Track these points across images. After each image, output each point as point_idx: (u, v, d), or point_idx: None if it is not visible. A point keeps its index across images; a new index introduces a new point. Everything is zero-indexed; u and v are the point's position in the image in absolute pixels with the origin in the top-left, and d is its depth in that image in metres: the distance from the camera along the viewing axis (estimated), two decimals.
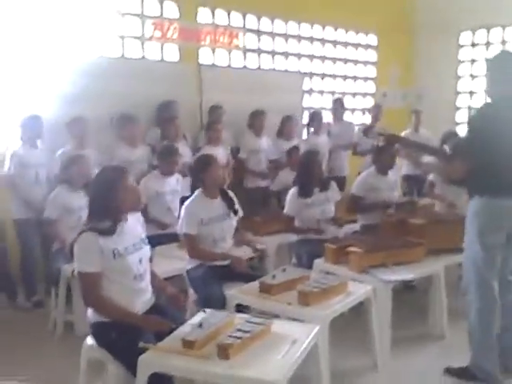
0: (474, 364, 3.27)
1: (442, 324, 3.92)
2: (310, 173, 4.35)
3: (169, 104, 5.55)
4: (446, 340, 3.89)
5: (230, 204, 3.73)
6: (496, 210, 3.12)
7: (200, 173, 3.65)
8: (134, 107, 5.23)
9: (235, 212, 3.74)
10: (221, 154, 5.32)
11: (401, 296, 4.25)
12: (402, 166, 7.06)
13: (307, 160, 4.41)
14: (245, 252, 3.88)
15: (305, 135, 6.85)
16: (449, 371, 3.39)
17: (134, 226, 2.79)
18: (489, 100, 3.29)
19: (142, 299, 2.71)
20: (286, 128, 6.16)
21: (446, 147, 5.05)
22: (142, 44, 5.77)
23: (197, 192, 3.72)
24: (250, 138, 5.99)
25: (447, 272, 3.99)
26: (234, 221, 3.75)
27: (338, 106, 7.04)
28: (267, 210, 5.38)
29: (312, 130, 6.55)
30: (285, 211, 4.39)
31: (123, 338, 2.51)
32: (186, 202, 3.68)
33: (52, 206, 4.16)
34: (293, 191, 4.38)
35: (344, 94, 8.19)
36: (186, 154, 5.29)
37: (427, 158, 4.09)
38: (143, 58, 5.80)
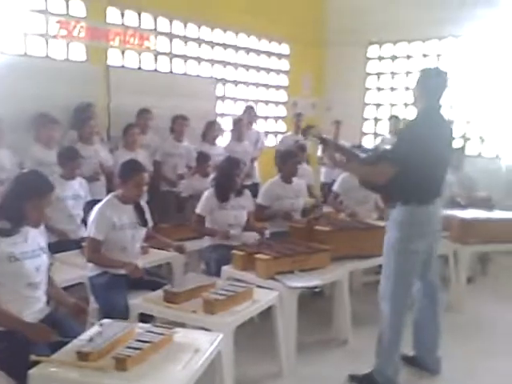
0: (377, 370, 3.37)
1: (346, 329, 4.01)
2: (229, 179, 4.34)
3: (86, 107, 5.40)
4: (350, 345, 3.98)
5: (140, 214, 3.64)
6: (420, 217, 3.27)
7: (125, 177, 3.54)
8: (38, 108, 5.01)
9: (144, 224, 3.66)
10: (139, 158, 5.21)
11: (308, 302, 4.32)
12: (321, 174, 7.25)
13: (229, 167, 4.40)
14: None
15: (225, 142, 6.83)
16: (353, 378, 3.47)
17: (34, 232, 2.65)
18: (416, 112, 3.45)
19: (33, 308, 2.57)
20: (209, 133, 6.17)
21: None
22: (47, 42, 5.51)
23: (109, 196, 3.61)
24: (169, 142, 5.94)
25: (352, 279, 4.09)
26: (143, 231, 3.67)
27: (251, 113, 7.10)
28: (178, 216, 5.29)
29: (234, 136, 6.59)
30: (197, 211, 4.34)
31: (14, 348, 2.38)
32: (98, 205, 3.55)
33: None
34: (210, 192, 4.35)
35: (257, 101, 8.25)
36: (102, 156, 5.23)
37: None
38: (47, 56, 5.54)
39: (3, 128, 4.65)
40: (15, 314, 2.48)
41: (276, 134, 8.60)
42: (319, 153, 7.22)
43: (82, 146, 5.04)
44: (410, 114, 8.37)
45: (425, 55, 8.43)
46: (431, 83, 3.32)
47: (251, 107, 7.28)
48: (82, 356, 2.23)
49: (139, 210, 3.64)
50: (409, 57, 8.61)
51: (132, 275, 3.38)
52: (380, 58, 8.93)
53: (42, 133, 4.86)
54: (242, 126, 6.59)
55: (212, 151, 5.83)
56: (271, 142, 8.31)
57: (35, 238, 2.65)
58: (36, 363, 2.23)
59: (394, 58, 8.78)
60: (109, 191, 3.85)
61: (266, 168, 7.01)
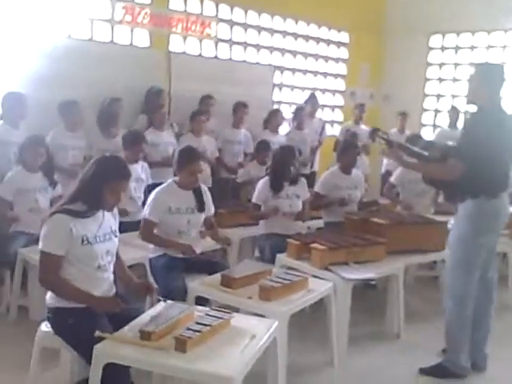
0: (449, 360, 3.40)
1: (398, 323, 3.98)
2: (283, 168, 4.35)
3: (158, 92, 5.55)
4: (402, 339, 3.95)
5: (199, 200, 3.70)
6: (490, 211, 3.29)
7: (180, 164, 3.62)
8: (101, 91, 5.16)
9: (201, 209, 3.71)
10: (203, 144, 5.36)
11: (361, 294, 4.31)
12: (383, 166, 7.18)
13: (282, 155, 4.41)
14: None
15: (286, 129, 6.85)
16: (423, 371, 3.47)
17: (107, 216, 2.73)
18: (470, 105, 3.47)
19: (101, 288, 2.66)
20: (272, 121, 6.22)
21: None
22: (112, 27, 5.64)
23: (169, 180, 3.70)
24: (228, 129, 6.01)
25: (405, 273, 4.06)
26: (201, 216, 3.73)
27: (314, 102, 7.09)
28: (233, 202, 5.36)
29: (295, 124, 6.61)
30: (253, 199, 4.39)
31: (80, 325, 2.48)
32: (157, 189, 3.65)
33: (7, 187, 4.06)
34: (265, 181, 4.38)
35: (314, 89, 8.20)
36: (171, 143, 5.34)
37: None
38: (112, 41, 5.67)
39: (81, 111, 4.83)
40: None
41: (332, 123, 8.54)
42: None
43: (154, 132, 5.21)
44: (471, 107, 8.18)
45: (489, 46, 8.18)
46: (491, 77, 3.32)
47: (314, 96, 7.26)
48: (144, 335, 2.30)
49: (198, 196, 3.71)
50: (473, 48, 8.37)
51: (185, 254, 3.47)
52: (443, 49, 8.71)
53: (104, 126, 4.99)
54: (303, 114, 6.60)
55: (273, 139, 5.87)
56: (329, 130, 8.25)
57: (109, 221, 2.72)
58: (100, 339, 2.32)
59: (457, 48, 8.56)
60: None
61: (324, 157, 7.00)
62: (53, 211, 2.59)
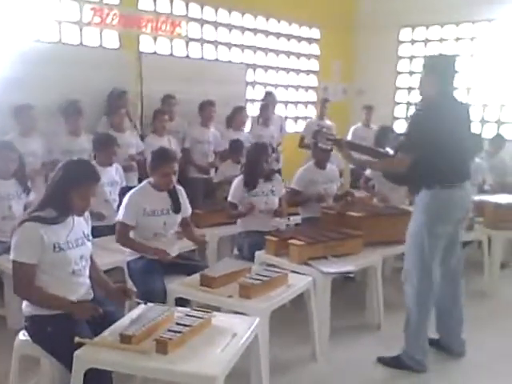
0: (406, 353, 3.42)
1: (378, 315, 4.03)
2: (256, 165, 4.36)
3: (120, 94, 5.48)
4: (382, 330, 4.00)
5: (174, 201, 3.67)
6: (446, 200, 3.28)
7: (149, 168, 3.60)
8: (72, 95, 5.08)
9: (177, 211, 3.68)
10: (165, 144, 5.26)
11: (340, 287, 4.35)
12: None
13: (255, 152, 4.42)
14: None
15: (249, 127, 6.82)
16: (381, 360, 3.52)
17: (77, 220, 2.69)
18: (421, 96, 3.49)
19: (77, 294, 2.63)
20: (236, 119, 6.18)
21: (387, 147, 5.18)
22: (81, 29, 5.58)
23: (144, 182, 3.67)
24: (197, 129, 5.96)
25: (383, 264, 4.10)
26: (177, 217, 3.71)
27: (272, 99, 7.06)
28: (210, 202, 5.35)
29: (261, 120, 6.59)
30: (228, 198, 4.39)
31: (59, 332, 2.45)
32: (131, 191, 3.62)
33: None
34: (239, 179, 4.38)
35: (287, 86, 8.22)
36: (133, 144, 5.31)
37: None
38: (81, 44, 5.61)
39: (36, 115, 4.73)
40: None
41: (306, 118, 8.55)
42: (349, 137, 7.20)
43: (114, 134, 5.11)
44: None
45: (458, 39, 8.30)
46: (438, 69, 3.32)
47: (271, 92, 7.23)
48: (125, 338, 2.29)
49: (174, 197, 3.69)
50: (442, 40, 8.48)
51: (160, 259, 3.43)
52: (412, 42, 8.82)
53: (70, 121, 4.93)
54: (268, 111, 6.59)
55: (237, 137, 5.84)
56: (302, 127, 8.29)
57: (80, 225, 2.69)
58: (80, 345, 2.29)
59: (426, 41, 8.67)
60: (140, 179, 3.90)
61: (289, 154, 7.01)
62: (22, 220, 2.55)
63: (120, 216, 3.55)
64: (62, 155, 4.47)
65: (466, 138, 3.41)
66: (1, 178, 4.03)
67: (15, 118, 4.65)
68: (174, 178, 3.69)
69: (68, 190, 2.54)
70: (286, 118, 7.99)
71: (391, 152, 3.84)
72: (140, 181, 3.75)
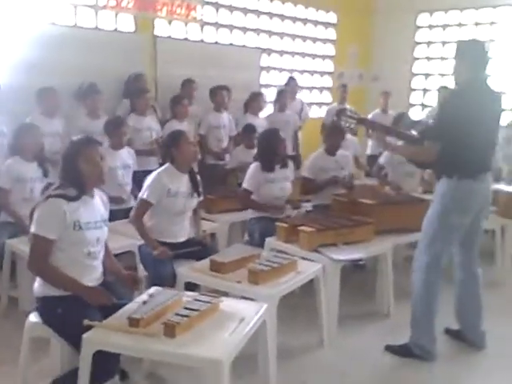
0: (413, 341, 3.42)
1: (388, 303, 4.02)
2: (273, 150, 4.34)
3: (138, 76, 5.52)
4: (391, 318, 3.99)
5: (195, 184, 3.71)
6: (463, 191, 3.23)
7: (171, 148, 3.63)
8: (87, 78, 5.12)
9: (199, 194, 3.74)
10: (186, 128, 5.28)
11: (350, 275, 4.35)
12: (367, 148, 7.18)
13: (270, 137, 4.40)
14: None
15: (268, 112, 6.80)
16: (389, 348, 3.52)
17: (98, 204, 2.76)
18: (455, 83, 3.40)
19: (90, 276, 2.67)
20: (254, 104, 6.17)
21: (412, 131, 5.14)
22: (96, 13, 5.58)
23: (167, 165, 3.69)
24: (211, 114, 5.95)
25: (394, 252, 4.09)
26: (195, 201, 3.74)
27: (294, 84, 7.06)
28: (222, 188, 5.36)
29: (277, 106, 6.56)
30: (244, 185, 4.36)
31: (69, 314, 2.49)
32: (156, 171, 3.65)
33: (4, 176, 4.03)
34: (255, 165, 4.35)
35: (303, 71, 8.17)
36: (154, 128, 5.32)
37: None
38: (97, 27, 5.62)
39: (59, 97, 4.81)
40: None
41: (321, 104, 8.52)
42: None
43: (136, 117, 5.20)
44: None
45: (477, 24, 8.16)
46: (473, 54, 3.24)
47: (293, 78, 7.21)
48: (133, 322, 2.32)
49: (194, 181, 3.72)
50: (461, 25, 8.35)
51: (160, 257, 3.40)
52: (430, 27, 8.69)
53: (88, 103, 5.01)
54: (285, 96, 6.56)
55: (255, 122, 5.83)
56: (316, 112, 8.24)
57: (99, 209, 2.74)
58: (89, 328, 2.33)
59: (445, 26, 8.53)
60: (160, 164, 3.94)
61: (310, 139, 6.98)
62: (47, 195, 2.60)
63: (144, 194, 3.56)
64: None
65: (494, 129, 3.34)
66: (24, 160, 4.07)
67: (38, 100, 4.74)
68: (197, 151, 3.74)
69: (75, 162, 2.61)
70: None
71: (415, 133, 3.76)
72: (161, 166, 3.76)
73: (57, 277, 2.57)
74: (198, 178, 3.80)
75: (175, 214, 3.61)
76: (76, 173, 2.61)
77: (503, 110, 3.44)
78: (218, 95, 5.93)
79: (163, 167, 3.70)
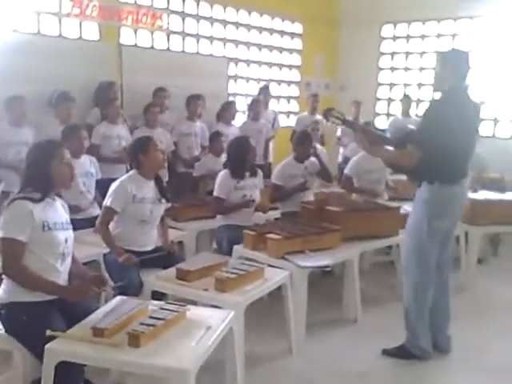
0: (410, 343, 3.47)
1: (355, 309, 4.04)
2: (243, 157, 4.36)
3: (110, 85, 5.50)
4: (359, 324, 4.02)
5: (161, 190, 3.68)
6: (445, 196, 3.32)
7: (138, 154, 3.58)
8: (52, 86, 5.08)
9: (167, 199, 3.71)
10: (158, 136, 5.25)
11: (318, 282, 4.36)
12: (339, 155, 7.25)
13: (241, 144, 4.41)
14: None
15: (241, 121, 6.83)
16: (386, 352, 3.55)
17: (60, 208, 2.73)
18: (437, 92, 3.50)
19: (59, 280, 2.62)
20: (225, 113, 6.21)
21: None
22: (60, 21, 5.51)
23: (131, 172, 3.65)
24: (183, 122, 5.96)
25: (361, 259, 4.12)
26: (162, 207, 3.71)
27: (267, 93, 7.11)
28: (190, 196, 5.32)
29: (251, 115, 6.61)
30: (215, 194, 4.35)
31: (34, 322, 2.44)
32: (120, 178, 3.61)
33: None
34: (224, 173, 4.36)
35: (269, 81, 8.21)
36: (124, 136, 5.29)
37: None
38: (61, 35, 5.54)
39: (26, 106, 4.75)
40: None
41: (288, 114, 8.58)
42: (338, 133, 7.24)
43: (107, 125, 5.19)
44: (424, 94, 8.36)
45: (439, 35, 8.34)
46: (456, 63, 3.33)
47: (267, 87, 7.27)
48: (97, 332, 2.27)
49: (160, 186, 3.69)
50: (423, 37, 8.52)
51: (126, 263, 3.35)
52: (394, 38, 8.85)
53: (61, 110, 4.94)
54: (259, 105, 6.61)
55: (228, 131, 5.87)
56: (285, 121, 8.28)
57: (62, 213, 2.73)
58: (52, 338, 2.28)
59: (408, 37, 8.70)
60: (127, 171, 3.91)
61: (279, 148, 7.01)
62: (12, 198, 2.56)
63: (108, 202, 3.51)
64: None
65: (473, 137, 3.44)
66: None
67: (6, 109, 4.69)
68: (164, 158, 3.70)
69: (46, 165, 2.60)
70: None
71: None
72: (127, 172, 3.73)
73: (34, 279, 2.52)
74: (164, 183, 3.77)
75: (142, 222, 3.57)
76: (45, 175, 2.60)
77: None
78: (192, 104, 5.96)
79: (127, 174, 3.66)
